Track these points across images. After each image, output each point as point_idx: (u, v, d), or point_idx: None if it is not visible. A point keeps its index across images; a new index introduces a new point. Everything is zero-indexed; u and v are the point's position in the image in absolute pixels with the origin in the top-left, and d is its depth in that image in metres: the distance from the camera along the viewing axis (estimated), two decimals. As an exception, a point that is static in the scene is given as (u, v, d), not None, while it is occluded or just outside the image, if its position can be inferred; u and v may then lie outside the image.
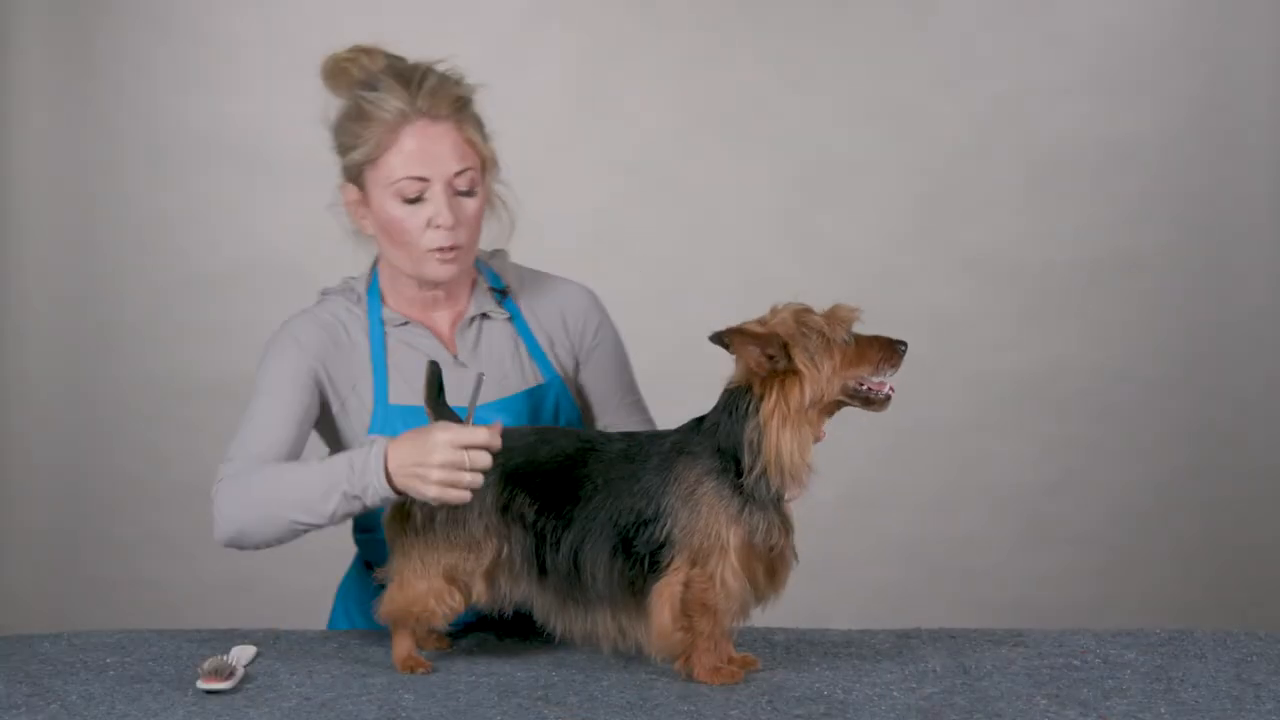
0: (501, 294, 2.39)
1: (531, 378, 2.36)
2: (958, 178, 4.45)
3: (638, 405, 2.47)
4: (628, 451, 2.08)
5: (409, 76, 2.24)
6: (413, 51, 2.34)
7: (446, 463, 2.01)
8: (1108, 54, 4.45)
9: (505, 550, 2.08)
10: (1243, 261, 4.51)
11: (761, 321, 2.04)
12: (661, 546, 2.03)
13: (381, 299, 2.34)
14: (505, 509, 2.08)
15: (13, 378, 4.34)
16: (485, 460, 2.03)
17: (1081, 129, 4.45)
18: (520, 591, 2.10)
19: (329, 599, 2.62)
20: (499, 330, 2.37)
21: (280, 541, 2.21)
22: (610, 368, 2.44)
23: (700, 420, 2.08)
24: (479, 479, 2.03)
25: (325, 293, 2.38)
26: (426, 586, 2.10)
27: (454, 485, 2.02)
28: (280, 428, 2.24)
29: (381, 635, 2.30)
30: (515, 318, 2.38)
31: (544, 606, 2.11)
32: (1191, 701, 1.95)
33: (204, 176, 4.30)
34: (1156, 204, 4.48)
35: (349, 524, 2.40)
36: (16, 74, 4.29)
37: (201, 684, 2.01)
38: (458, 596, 2.10)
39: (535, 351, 2.37)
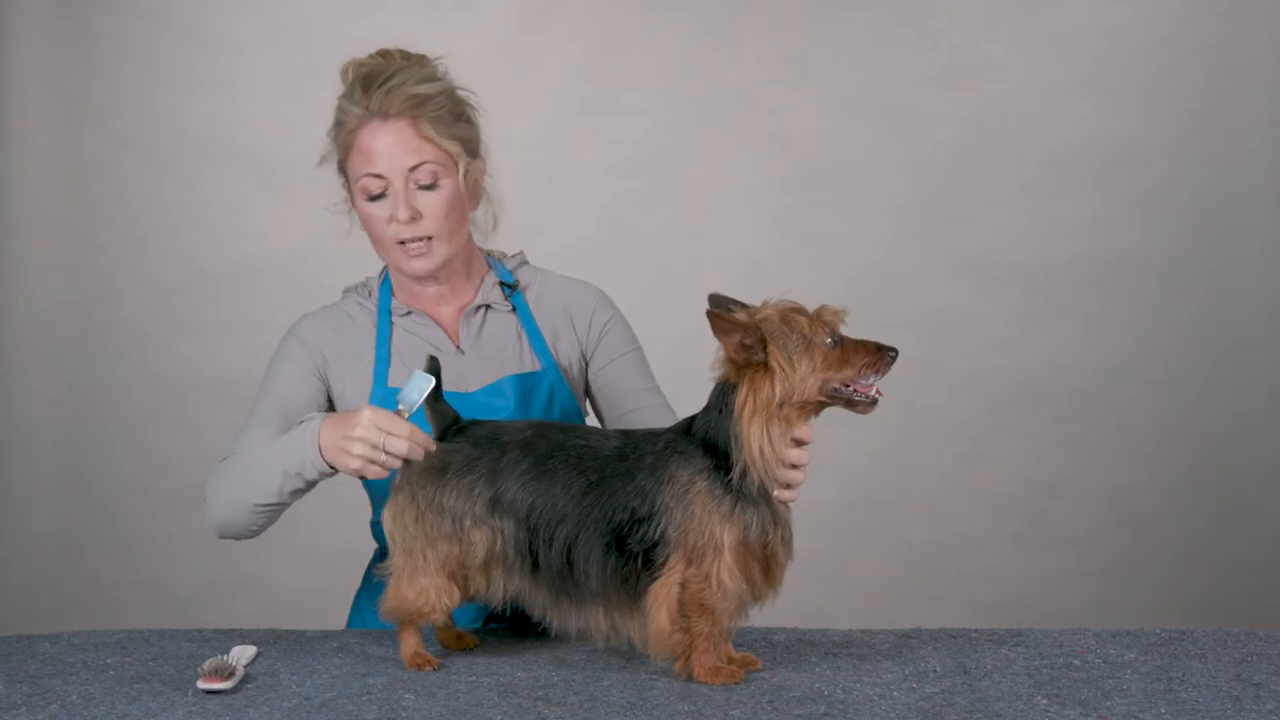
0: (511, 288, 2.47)
1: (529, 364, 2.43)
2: (958, 178, 4.45)
3: (656, 392, 2.52)
4: (622, 450, 2.08)
5: (374, 79, 2.32)
6: (415, 49, 2.36)
7: (364, 439, 2.09)
8: (1108, 54, 4.45)
9: (498, 543, 2.09)
10: (1243, 261, 4.51)
11: (749, 312, 2.04)
12: (656, 545, 2.03)
13: (392, 293, 2.46)
14: (497, 502, 2.09)
15: (13, 378, 4.34)
16: (400, 447, 2.08)
17: (1081, 129, 4.45)
18: (514, 586, 2.11)
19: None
20: (502, 320, 2.45)
21: (257, 526, 2.30)
22: (621, 360, 2.50)
23: (693, 419, 2.08)
24: (396, 461, 2.10)
25: (345, 291, 2.51)
26: (427, 582, 2.11)
27: (372, 461, 2.10)
28: (276, 421, 2.33)
29: (382, 634, 2.30)
30: (520, 309, 2.46)
31: (537, 601, 2.11)
32: (1191, 701, 1.95)
33: (204, 176, 4.30)
34: (1156, 204, 4.48)
35: (369, 517, 2.46)
36: (17, 73, 4.29)
37: (201, 684, 2.01)
38: (455, 592, 2.11)
39: (536, 341, 2.44)
